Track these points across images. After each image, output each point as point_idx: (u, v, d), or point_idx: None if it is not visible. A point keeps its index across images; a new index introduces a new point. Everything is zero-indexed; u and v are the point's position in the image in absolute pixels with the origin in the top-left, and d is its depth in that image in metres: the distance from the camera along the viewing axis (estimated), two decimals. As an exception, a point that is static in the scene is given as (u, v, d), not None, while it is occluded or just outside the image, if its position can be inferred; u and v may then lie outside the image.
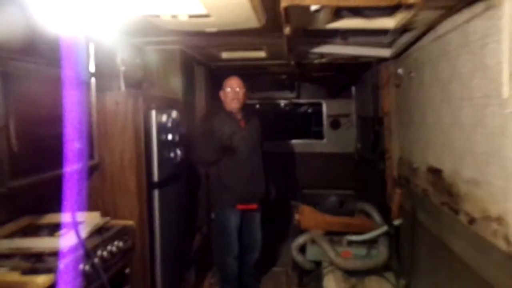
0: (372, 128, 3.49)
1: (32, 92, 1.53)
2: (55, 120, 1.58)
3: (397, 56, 2.77)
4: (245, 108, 2.80)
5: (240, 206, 2.70)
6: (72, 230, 1.51)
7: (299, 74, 4.25)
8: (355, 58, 2.98)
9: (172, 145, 2.43)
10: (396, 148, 3.05)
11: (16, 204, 1.73)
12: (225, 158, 2.62)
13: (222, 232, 2.74)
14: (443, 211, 2.00)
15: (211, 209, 2.90)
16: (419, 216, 2.44)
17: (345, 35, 2.66)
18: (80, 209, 1.55)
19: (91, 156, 1.95)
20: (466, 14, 1.65)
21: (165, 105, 2.42)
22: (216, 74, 3.65)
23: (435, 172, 2.12)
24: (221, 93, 2.76)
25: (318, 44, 2.80)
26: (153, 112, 2.20)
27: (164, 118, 2.31)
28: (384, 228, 2.87)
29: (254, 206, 2.76)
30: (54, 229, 1.67)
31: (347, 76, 4.41)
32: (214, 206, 2.79)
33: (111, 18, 1.86)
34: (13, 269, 1.36)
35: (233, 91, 2.69)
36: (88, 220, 1.78)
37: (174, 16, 1.78)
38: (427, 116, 2.24)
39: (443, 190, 2.00)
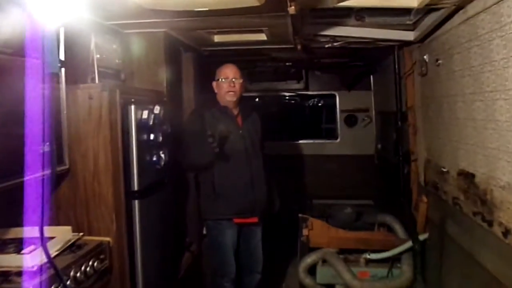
0: (395, 125, 3.53)
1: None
2: (17, 118, 1.59)
3: (422, 39, 2.81)
4: (243, 102, 2.82)
5: (238, 220, 2.71)
6: (39, 247, 1.55)
7: (307, 61, 4.27)
8: (373, 42, 3.00)
9: (155, 146, 2.45)
10: (422, 149, 3.09)
11: (-26, 217, 1.78)
12: (219, 162, 2.61)
13: (216, 250, 2.76)
14: (475, 222, 2.05)
15: (203, 223, 2.94)
16: (448, 229, 2.48)
17: (361, 14, 2.67)
18: (49, 223, 1.58)
19: (60, 161, 1.97)
20: (499, -8, 1.70)
21: (146, 99, 2.44)
22: (208, 62, 3.66)
23: (467, 177, 2.17)
24: (214, 84, 2.77)
25: (329, 25, 2.82)
26: (132, 108, 2.22)
27: (145, 114, 2.33)
28: (408, 243, 2.91)
29: (254, 219, 2.75)
30: (21, 245, 1.70)
31: (365, 63, 4.45)
32: (206, 219, 2.80)
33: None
34: (-26, 290, 1.42)
35: (228, 81, 2.69)
36: (58, 235, 1.82)
37: (157, -6, 1.82)
38: (458, 111, 2.28)
39: (475, 198, 2.06)
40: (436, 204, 2.75)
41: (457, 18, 2.20)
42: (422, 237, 2.90)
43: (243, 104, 2.82)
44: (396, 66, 3.40)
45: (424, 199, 2.92)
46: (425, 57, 2.81)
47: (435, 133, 2.77)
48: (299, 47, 3.24)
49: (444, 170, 2.54)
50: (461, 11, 2.12)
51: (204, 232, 2.91)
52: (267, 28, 2.88)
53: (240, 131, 2.74)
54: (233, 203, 2.67)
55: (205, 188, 2.76)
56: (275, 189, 2.97)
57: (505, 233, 1.73)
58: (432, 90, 2.78)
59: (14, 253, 1.66)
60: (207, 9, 2.11)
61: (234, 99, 2.71)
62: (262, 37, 3.12)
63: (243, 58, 3.89)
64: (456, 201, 2.34)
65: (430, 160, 2.93)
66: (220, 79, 2.72)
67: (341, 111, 5.22)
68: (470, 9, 2.01)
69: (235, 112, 2.77)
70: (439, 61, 2.54)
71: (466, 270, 2.22)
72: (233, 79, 2.70)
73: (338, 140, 5.28)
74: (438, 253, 2.68)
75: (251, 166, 2.72)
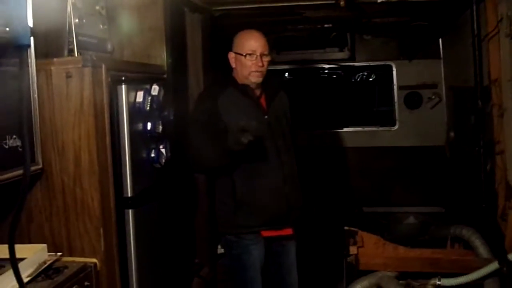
0: (474, 105, 3.47)
1: None
2: None
3: (513, -13, 2.73)
4: (266, 77, 2.74)
5: (267, 233, 2.71)
6: (8, 270, 1.56)
7: (353, 22, 4.29)
8: None
9: (154, 139, 2.47)
10: (511, 137, 3.02)
11: None
12: (241, 161, 2.58)
13: (239, 274, 2.75)
14: None
15: (219, 238, 2.94)
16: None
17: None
18: (17, 240, 1.60)
19: (30, 159, 1.97)
20: None
21: (141, 77, 2.46)
22: (221, 26, 3.67)
23: None
24: (232, 57, 2.72)
25: None
26: (123, 88, 2.23)
27: (139, 96, 2.34)
28: (494, 265, 2.85)
29: (287, 231, 2.75)
30: None
31: (431, 22, 4.37)
32: (224, 233, 2.79)
33: None
34: None
35: (254, 57, 2.63)
36: (31, 256, 1.81)
37: None
38: None
39: None
40: (532, 212, 2.67)
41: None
42: (512, 256, 2.83)
43: (267, 81, 2.75)
44: (475, 25, 3.33)
45: (516, 205, 2.84)
46: (516, 11, 2.72)
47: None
48: (342, 2, 3.21)
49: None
50: None
51: (220, 250, 2.91)
52: None
53: (266, 117, 2.70)
54: (261, 212, 2.64)
55: (222, 194, 2.73)
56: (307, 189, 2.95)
57: None
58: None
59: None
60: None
61: (260, 79, 2.67)
62: None
63: (266, 19, 3.87)
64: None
65: (524, 153, 2.85)
66: (243, 53, 2.64)
67: (400, 87, 5.20)
68: None
69: (258, 92, 2.73)
70: (536, 16, 2.45)
71: None
72: (262, 55, 2.63)
73: (396, 127, 5.26)
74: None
75: (282, 163, 2.70)
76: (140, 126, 2.37)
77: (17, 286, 1.40)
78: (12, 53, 1.72)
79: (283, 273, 2.85)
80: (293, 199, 2.71)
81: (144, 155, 2.41)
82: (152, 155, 2.45)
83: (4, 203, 1.83)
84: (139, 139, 2.35)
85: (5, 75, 1.73)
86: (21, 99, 1.64)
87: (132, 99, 2.29)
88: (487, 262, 2.92)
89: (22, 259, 1.74)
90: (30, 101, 1.96)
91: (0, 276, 1.61)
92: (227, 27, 3.18)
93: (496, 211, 3.18)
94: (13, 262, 1.32)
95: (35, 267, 1.81)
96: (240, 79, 2.70)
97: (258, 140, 2.38)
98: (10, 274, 1.46)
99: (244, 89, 2.68)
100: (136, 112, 2.32)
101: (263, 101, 2.73)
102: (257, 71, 2.63)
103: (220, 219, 2.78)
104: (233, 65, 2.72)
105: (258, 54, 2.62)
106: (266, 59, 2.65)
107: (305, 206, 2.81)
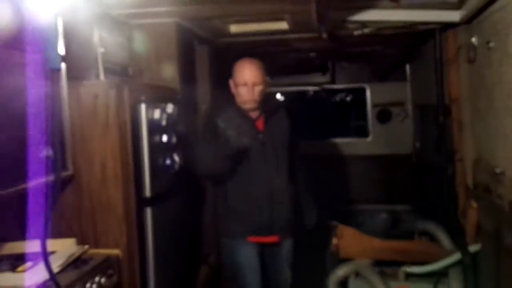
0: (436, 120, 3.44)
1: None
2: (17, 120, 1.60)
3: (470, 20, 2.71)
4: (266, 100, 2.62)
5: (253, 239, 2.58)
6: (40, 262, 1.52)
7: (333, 51, 4.27)
8: (411, 26, 2.96)
9: (169, 149, 2.46)
10: (470, 146, 2.99)
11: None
12: (233, 173, 2.50)
13: (233, 272, 2.62)
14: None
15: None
16: (506, 240, 2.36)
17: (396, -6, 2.62)
18: (50, 235, 1.56)
19: (63, 167, 1.97)
20: None
21: (158, 97, 2.45)
22: (224, 55, 3.66)
23: (527, 178, 2.04)
24: (231, 84, 2.62)
25: (359, 9, 2.79)
26: (143, 107, 2.22)
27: (157, 114, 2.33)
28: (457, 256, 2.80)
29: (272, 238, 2.62)
30: (17, 261, 1.69)
31: (400, 50, 4.38)
32: (220, 235, 2.71)
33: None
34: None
35: (247, 88, 2.51)
36: (61, 249, 1.80)
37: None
38: (514, 101, 2.16)
39: (539, 203, 1.92)
40: (488, 210, 2.63)
41: (512, -7, 2.07)
42: (473, 248, 2.78)
43: (266, 103, 2.62)
44: (438, 52, 3.29)
45: (474, 204, 2.80)
46: (473, 40, 2.69)
47: (485, 129, 2.65)
48: (324, 35, 3.22)
49: (498, 171, 2.41)
50: (517, -16, 1.99)
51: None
52: (289, 15, 2.86)
53: (261, 136, 2.56)
54: (247, 220, 2.54)
55: (219, 202, 2.65)
56: (311, 199, 2.83)
57: None
58: (481, 78, 2.66)
59: (10, 271, 1.63)
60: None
61: (254, 106, 2.54)
62: (283, 25, 3.12)
63: (262, 50, 3.88)
64: (514, 206, 2.21)
65: (479, 160, 2.82)
66: (237, 84, 2.54)
67: (373, 105, 5.19)
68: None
69: (255, 114, 2.58)
70: (490, 44, 2.42)
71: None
72: (254, 85, 2.50)
73: (370, 138, 5.24)
74: (493, 267, 2.56)
75: (271, 178, 2.56)
76: (158, 138, 2.36)
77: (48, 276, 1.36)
78: (46, 76, 1.71)
79: (275, 271, 2.73)
80: (279, 211, 2.56)
81: (161, 162, 2.39)
82: (168, 162, 2.45)
83: (40, 203, 1.81)
84: (157, 149, 2.34)
85: (40, 95, 1.70)
86: (53, 115, 1.62)
87: (150, 116, 2.28)
88: (450, 253, 2.87)
89: (53, 252, 1.73)
90: (62, 117, 1.95)
91: (35, 267, 1.57)
92: (229, 56, 3.20)
93: (457, 210, 3.13)
94: (44, 254, 1.27)
95: (65, 258, 1.78)
96: (239, 103, 2.59)
97: (251, 145, 2.37)
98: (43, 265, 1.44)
99: (241, 111, 2.56)
100: (154, 126, 2.30)
101: (260, 121, 2.59)
102: (250, 100, 2.50)
103: (216, 222, 2.71)
104: (233, 91, 2.60)
105: (250, 84, 2.48)
106: (258, 88, 2.49)
107: (294, 216, 2.65)
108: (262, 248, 2.62)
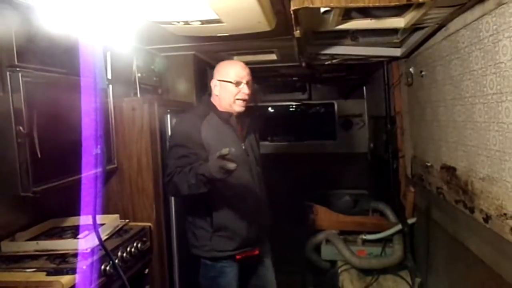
0: (385, 127, 3.45)
1: (53, 100, 1.57)
2: (75, 126, 1.60)
3: (408, 55, 2.72)
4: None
5: (240, 255, 1.85)
6: (93, 232, 1.53)
7: (310, 76, 4.22)
8: (366, 58, 2.95)
9: None
10: (409, 147, 3.00)
11: (40, 208, 1.77)
12: (219, 189, 1.72)
13: None
14: (458, 209, 1.95)
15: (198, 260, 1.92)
16: (433, 215, 2.39)
17: (355, 35, 2.62)
18: (100, 212, 1.57)
19: (109, 161, 1.98)
20: (477, 11, 1.61)
21: (179, 110, 2.43)
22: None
23: (449, 170, 2.07)
24: (214, 85, 1.84)
25: (329, 45, 2.78)
26: (168, 117, 2.21)
27: None
28: (399, 226, 2.83)
29: (255, 252, 1.91)
30: (76, 231, 1.71)
31: (358, 76, 4.36)
32: (199, 256, 1.87)
33: (126, 26, 1.90)
34: (39, 269, 1.40)
35: (241, 85, 1.78)
36: (108, 222, 1.81)
37: (186, 23, 1.80)
38: (440, 114, 2.19)
39: (457, 188, 1.96)
40: (422, 193, 2.66)
41: (439, 35, 2.11)
42: (410, 221, 2.82)
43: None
44: (386, 78, 3.31)
45: (411, 189, 2.83)
46: (410, 69, 2.73)
47: (420, 133, 2.69)
48: (303, 64, 3.21)
49: (428, 164, 2.45)
50: (443, 29, 2.03)
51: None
52: (277, 49, 2.87)
53: (243, 146, 1.86)
54: (237, 236, 1.80)
55: (197, 218, 1.85)
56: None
57: (486, 219, 1.63)
58: (416, 97, 2.69)
59: (71, 238, 1.65)
60: (227, 34, 2.09)
61: (243, 109, 1.83)
62: (273, 57, 3.12)
63: (257, 74, 3.86)
64: (439, 190, 2.24)
65: (416, 156, 2.85)
66: (231, 81, 1.78)
67: (339, 116, 5.16)
68: (451, 27, 1.92)
69: (236, 121, 1.84)
70: (423, 73, 2.45)
71: (451, 250, 2.12)
72: (248, 83, 1.80)
73: (336, 140, 5.20)
74: (425, 235, 2.59)
75: (257, 188, 1.88)
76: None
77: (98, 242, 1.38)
78: (98, 94, 1.72)
79: (260, 275, 2.02)
80: (264, 219, 1.93)
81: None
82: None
83: (93, 188, 1.81)
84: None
85: (94, 109, 1.71)
86: (102, 123, 1.63)
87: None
88: (394, 224, 2.90)
89: (103, 224, 1.75)
90: (109, 124, 1.97)
91: (89, 235, 1.58)
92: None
93: (400, 193, 3.15)
94: (95, 226, 1.29)
95: (111, 229, 1.79)
96: (222, 107, 1.84)
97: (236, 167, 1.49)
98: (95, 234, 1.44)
99: (225, 117, 1.82)
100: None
101: (239, 131, 1.87)
102: (242, 99, 1.80)
103: (195, 242, 1.86)
104: (217, 93, 1.84)
105: (245, 82, 1.79)
106: (250, 87, 1.81)
107: (272, 223, 1.99)
108: (243, 264, 1.89)
